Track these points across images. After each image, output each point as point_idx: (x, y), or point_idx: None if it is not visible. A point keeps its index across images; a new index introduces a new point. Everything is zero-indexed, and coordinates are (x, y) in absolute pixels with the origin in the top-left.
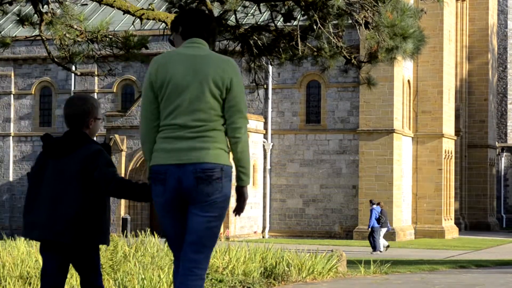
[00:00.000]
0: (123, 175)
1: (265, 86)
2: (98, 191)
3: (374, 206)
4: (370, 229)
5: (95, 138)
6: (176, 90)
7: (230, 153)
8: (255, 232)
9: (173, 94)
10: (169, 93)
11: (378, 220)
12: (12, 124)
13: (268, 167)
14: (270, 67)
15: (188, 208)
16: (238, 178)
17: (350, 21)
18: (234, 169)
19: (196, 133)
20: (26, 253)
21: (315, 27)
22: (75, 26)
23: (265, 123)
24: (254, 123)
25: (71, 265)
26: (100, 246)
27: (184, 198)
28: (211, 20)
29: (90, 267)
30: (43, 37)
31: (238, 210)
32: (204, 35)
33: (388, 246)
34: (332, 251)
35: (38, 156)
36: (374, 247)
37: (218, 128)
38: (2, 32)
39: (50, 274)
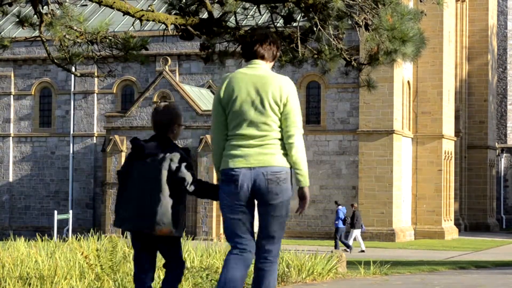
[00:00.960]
0: None
1: None
2: (178, 190)
3: (340, 207)
4: (335, 228)
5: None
6: (241, 105)
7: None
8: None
9: (238, 109)
10: (235, 107)
11: (344, 221)
12: (12, 125)
13: None
14: None
15: (257, 206)
16: (297, 180)
17: (350, 23)
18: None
19: (261, 141)
20: (26, 254)
21: (315, 29)
22: (75, 27)
23: None
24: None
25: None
26: (106, 246)
27: (255, 197)
28: (272, 41)
29: (172, 254)
30: (43, 38)
31: (300, 210)
32: (265, 55)
33: (363, 251)
34: (332, 252)
35: (126, 157)
36: (347, 245)
37: (279, 137)
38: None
39: (140, 260)
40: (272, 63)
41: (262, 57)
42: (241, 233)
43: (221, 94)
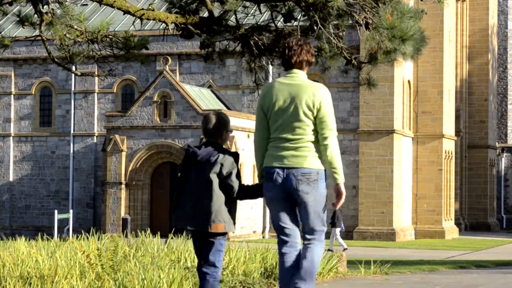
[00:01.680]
0: (123, 175)
1: None
2: (228, 191)
3: None
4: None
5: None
6: (279, 111)
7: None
8: (254, 232)
9: (277, 114)
10: (274, 113)
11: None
12: (12, 124)
13: None
14: (271, 67)
15: (294, 203)
16: (333, 178)
17: (350, 22)
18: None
19: (296, 144)
20: (26, 254)
21: (315, 27)
22: (75, 27)
23: None
24: (254, 123)
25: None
26: (107, 245)
27: (289, 194)
28: (307, 50)
29: (215, 250)
30: (43, 38)
31: (336, 203)
32: (302, 65)
33: (346, 249)
34: (332, 251)
35: (182, 162)
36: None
37: (314, 140)
38: (2, 33)
39: (199, 253)
40: (307, 68)
41: (299, 66)
42: (284, 224)
43: (262, 102)
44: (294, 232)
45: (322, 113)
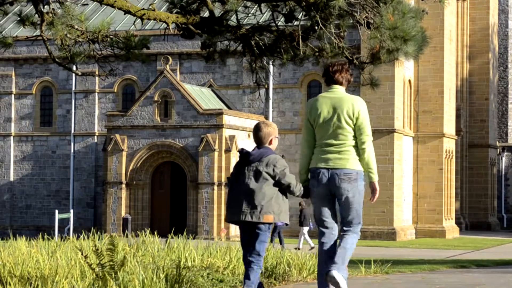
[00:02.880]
0: (123, 175)
1: (266, 86)
2: (279, 187)
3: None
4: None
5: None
6: (324, 121)
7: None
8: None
9: (322, 124)
10: (320, 123)
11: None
12: (13, 124)
13: None
14: (271, 67)
15: (335, 199)
16: (369, 177)
17: (351, 21)
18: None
19: (339, 148)
20: (27, 253)
21: (316, 27)
22: (76, 26)
23: None
24: (255, 123)
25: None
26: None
27: (332, 191)
28: (346, 70)
29: (260, 241)
30: (44, 37)
31: (372, 198)
32: (341, 81)
33: (313, 248)
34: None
35: (235, 164)
36: (281, 242)
37: (354, 145)
38: (3, 32)
39: (246, 244)
40: (346, 85)
41: (339, 83)
42: (325, 217)
43: (309, 114)
44: (332, 225)
45: (360, 122)
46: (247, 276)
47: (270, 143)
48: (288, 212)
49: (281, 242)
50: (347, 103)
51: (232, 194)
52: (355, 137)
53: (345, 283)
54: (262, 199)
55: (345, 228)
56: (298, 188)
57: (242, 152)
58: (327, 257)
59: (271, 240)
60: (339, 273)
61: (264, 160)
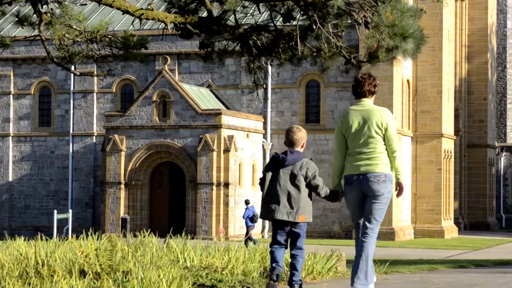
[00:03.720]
0: (122, 175)
1: (264, 86)
2: (310, 189)
3: (249, 205)
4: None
5: None
6: (355, 132)
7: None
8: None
9: (353, 134)
10: (351, 133)
11: (252, 219)
12: (11, 124)
13: None
14: (270, 67)
15: (365, 199)
16: (396, 178)
17: (349, 21)
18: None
19: (370, 155)
20: (25, 253)
21: (314, 27)
22: (75, 26)
23: (265, 123)
24: (254, 123)
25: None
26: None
27: (364, 193)
28: (368, 82)
29: (299, 236)
30: (42, 37)
31: (399, 194)
32: (367, 94)
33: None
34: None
35: (268, 165)
36: (252, 240)
37: (383, 152)
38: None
39: (279, 241)
40: (373, 97)
41: (366, 95)
42: (356, 219)
43: (341, 125)
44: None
45: (388, 132)
46: (293, 267)
47: (302, 146)
48: (311, 212)
49: (251, 239)
50: (376, 115)
51: (268, 194)
52: (383, 145)
53: None
54: (298, 200)
55: (368, 225)
56: (324, 191)
57: (278, 156)
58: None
59: (246, 242)
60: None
61: (297, 164)
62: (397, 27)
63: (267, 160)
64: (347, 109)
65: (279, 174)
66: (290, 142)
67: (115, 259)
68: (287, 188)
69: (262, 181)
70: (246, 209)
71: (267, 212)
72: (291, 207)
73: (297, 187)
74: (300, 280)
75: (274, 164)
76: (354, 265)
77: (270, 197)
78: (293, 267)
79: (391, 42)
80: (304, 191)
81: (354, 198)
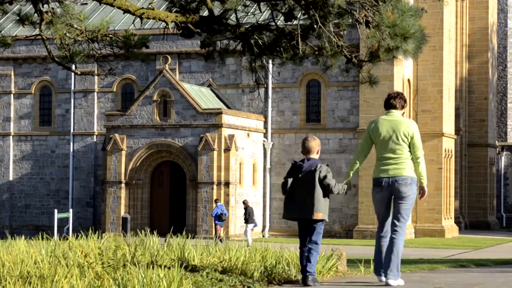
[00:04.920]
0: (123, 174)
1: (265, 86)
2: (325, 190)
3: (218, 204)
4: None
5: None
6: (384, 139)
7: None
8: (252, 230)
9: (382, 141)
10: (380, 140)
11: (220, 217)
12: (12, 124)
13: (268, 166)
14: (271, 66)
15: (393, 200)
16: (420, 182)
17: (351, 20)
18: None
19: (397, 160)
20: (26, 253)
21: (315, 26)
22: (75, 26)
23: (265, 122)
24: (254, 122)
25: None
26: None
27: (392, 194)
28: (401, 97)
29: (316, 232)
30: (43, 37)
31: (421, 196)
32: (397, 106)
33: (248, 245)
34: (332, 250)
35: (289, 171)
36: (219, 239)
37: (408, 158)
38: (2, 32)
39: (303, 238)
40: (402, 110)
41: (395, 108)
42: (383, 218)
43: (371, 131)
44: (389, 222)
45: (414, 141)
46: (308, 260)
47: (317, 153)
48: (327, 211)
49: (218, 237)
50: (403, 126)
51: (290, 197)
52: (409, 152)
53: (402, 282)
54: (315, 200)
55: (396, 223)
56: (337, 188)
57: (296, 164)
58: (385, 250)
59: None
60: (395, 280)
61: (313, 169)
62: (398, 27)
63: (268, 159)
64: (377, 118)
65: (298, 179)
66: (306, 150)
67: (116, 258)
68: (305, 191)
69: (284, 186)
70: (215, 207)
71: (289, 212)
72: (309, 207)
73: (314, 189)
74: (314, 272)
75: (294, 171)
76: (386, 259)
77: (291, 200)
78: (307, 259)
79: (392, 42)
80: (319, 192)
81: (382, 198)
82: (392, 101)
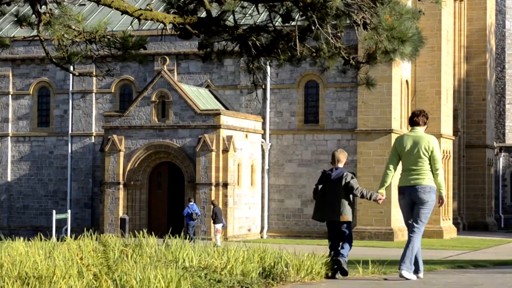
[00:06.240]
0: (121, 175)
1: (263, 87)
2: (349, 195)
3: (190, 204)
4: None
5: None
6: (408, 153)
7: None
8: (249, 230)
9: (407, 155)
10: (405, 153)
11: (191, 216)
12: (10, 124)
13: (266, 167)
14: (268, 68)
15: (414, 206)
16: (439, 191)
17: (348, 22)
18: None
19: (418, 172)
20: (24, 254)
21: (313, 27)
22: (73, 27)
23: (263, 123)
24: (253, 123)
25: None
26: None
27: (413, 200)
28: (424, 115)
29: (347, 233)
30: (41, 38)
31: (440, 204)
32: (420, 123)
33: (218, 246)
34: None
35: (319, 179)
36: (190, 237)
37: (428, 169)
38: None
39: (332, 237)
40: (425, 126)
41: (418, 125)
42: (407, 220)
43: (397, 146)
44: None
45: (433, 154)
46: (341, 248)
47: (345, 164)
48: (351, 213)
49: (189, 235)
50: (424, 141)
51: (320, 201)
52: (429, 164)
53: (414, 277)
54: (341, 205)
55: (415, 225)
56: (359, 190)
57: (325, 172)
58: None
59: (189, 235)
60: (408, 271)
61: (340, 177)
62: (395, 30)
63: (266, 160)
64: (403, 134)
65: (327, 185)
66: (335, 160)
67: (114, 259)
68: (333, 196)
69: (315, 192)
70: (187, 207)
71: (320, 215)
72: (336, 210)
73: (340, 194)
74: (346, 255)
75: (324, 178)
76: (402, 254)
77: (321, 204)
78: (341, 248)
79: (390, 45)
80: (346, 197)
81: (406, 204)
82: (415, 119)
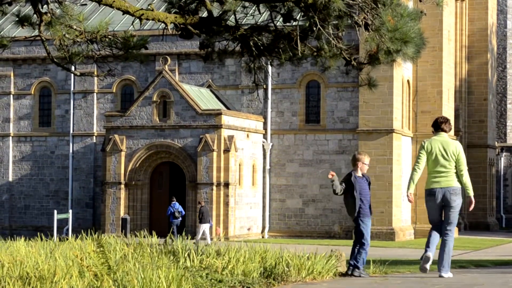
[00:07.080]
0: (122, 175)
1: (264, 86)
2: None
3: (172, 203)
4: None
5: None
6: (436, 156)
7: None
8: (248, 229)
9: (435, 157)
10: (433, 157)
11: (173, 215)
12: (11, 124)
13: (267, 167)
14: (270, 67)
15: (443, 207)
16: (467, 193)
17: (349, 22)
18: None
19: (446, 174)
20: (25, 254)
21: (314, 28)
22: (75, 27)
23: (265, 123)
24: (254, 123)
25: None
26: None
27: (443, 202)
28: (448, 122)
29: (363, 232)
30: (43, 37)
31: (469, 207)
32: (446, 130)
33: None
34: (331, 251)
35: (346, 181)
36: (174, 235)
37: (455, 171)
38: (1, 33)
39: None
40: (449, 133)
41: (445, 131)
42: (437, 221)
43: (426, 149)
44: (439, 227)
45: (459, 158)
46: (358, 253)
47: (358, 167)
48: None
49: (174, 234)
50: (451, 145)
51: (349, 199)
52: (455, 167)
53: (451, 275)
54: (355, 204)
55: (447, 227)
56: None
57: (351, 175)
58: (432, 244)
59: (175, 233)
60: (447, 274)
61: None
62: (398, 31)
63: (268, 160)
64: (431, 138)
65: (352, 186)
66: (354, 162)
67: (115, 259)
68: (358, 194)
69: (344, 191)
70: (169, 206)
71: (350, 212)
72: (353, 208)
73: (353, 195)
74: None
75: (348, 178)
76: (439, 257)
77: (351, 201)
78: (358, 252)
79: (392, 46)
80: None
81: (436, 205)
82: (443, 126)
